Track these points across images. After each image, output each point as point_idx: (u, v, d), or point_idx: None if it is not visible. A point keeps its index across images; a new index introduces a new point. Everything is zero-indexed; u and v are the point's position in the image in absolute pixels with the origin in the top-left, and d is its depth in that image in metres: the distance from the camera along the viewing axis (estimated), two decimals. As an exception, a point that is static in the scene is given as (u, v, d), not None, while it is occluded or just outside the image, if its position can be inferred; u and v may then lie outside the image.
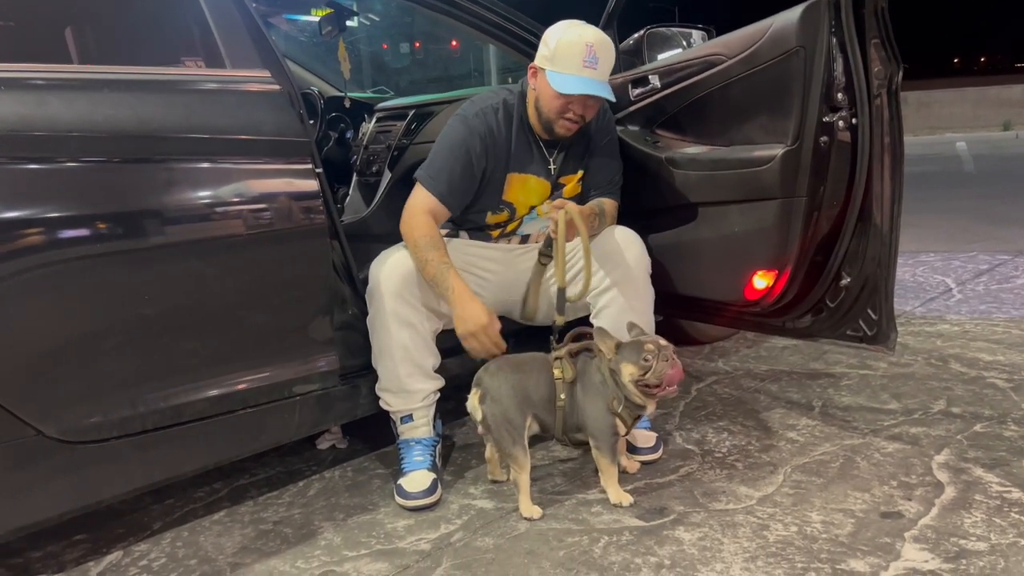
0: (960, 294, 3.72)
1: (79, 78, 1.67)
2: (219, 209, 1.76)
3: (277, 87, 1.87)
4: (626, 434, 1.93)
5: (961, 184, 8.63)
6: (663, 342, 1.86)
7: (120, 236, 1.63)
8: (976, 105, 18.43)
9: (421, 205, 2.05)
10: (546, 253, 2.18)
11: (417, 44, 16.32)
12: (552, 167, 2.17)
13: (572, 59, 1.98)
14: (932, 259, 4.50)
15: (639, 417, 1.92)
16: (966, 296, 3.67)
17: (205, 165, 1.74)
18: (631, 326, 1.94)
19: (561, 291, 2.01)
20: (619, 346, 1.87)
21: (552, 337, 2.00)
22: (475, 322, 1.95)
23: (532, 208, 2.21)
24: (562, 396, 1.90)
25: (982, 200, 7.00)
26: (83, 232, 1.58)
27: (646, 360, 1.81)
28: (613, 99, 2.05)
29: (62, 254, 1.55)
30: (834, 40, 1.88)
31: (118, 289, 1.63)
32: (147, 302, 1.66)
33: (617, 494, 1.92)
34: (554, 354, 1.94)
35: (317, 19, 3.09)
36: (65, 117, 1.57)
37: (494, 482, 2.07)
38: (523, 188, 2.17)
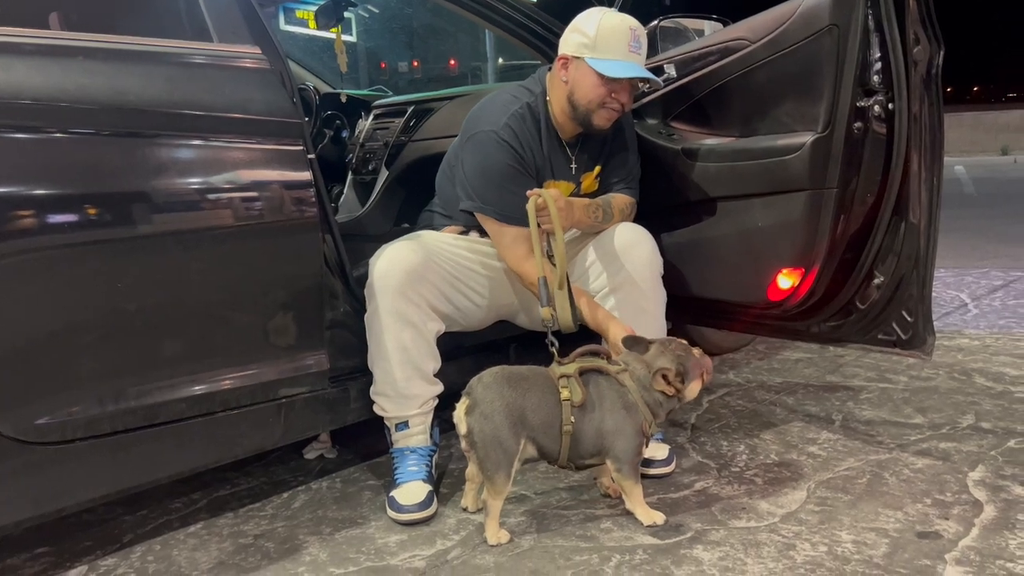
0: (976, 309, 3.62)
1: (50, 44, 1.53)
2: (198, 191, 1.63)
3: (267, 64, 1.76)
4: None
5: (964, 205, 8.58)
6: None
7: (87, 218, 1.49)
8: (973, 130, 18.50)
9: (513, 240, 1.96)
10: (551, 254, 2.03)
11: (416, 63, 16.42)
12: (573, 166, 2.07)
13: (618, 44, 1.89)
14: (944, 275, 4.39)
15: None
16: (983, 311, 3.57)
17: (185, 143, 1.62)
18: (630, 341, 1.80)
19: (542, 280, 1.85)
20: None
21: (549, 343, 1.82)
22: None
23: None
24: (571, 419, 1.70)
25: (986, 220, 7.00)
26: (45, 214, 1.44)
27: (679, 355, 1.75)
28: (661, 83, 2.04)
29: (22, 235, 1.41)
30: (871, 18, 1.76)
31: (85, 276, 1.49)
32: (117, 291, 1.52)
33: (648, 514, 1.75)
34: (559, 371, 1.75)
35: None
36: (31, 84, 1.44)
37: (464, 510, 1.85)
38: None
